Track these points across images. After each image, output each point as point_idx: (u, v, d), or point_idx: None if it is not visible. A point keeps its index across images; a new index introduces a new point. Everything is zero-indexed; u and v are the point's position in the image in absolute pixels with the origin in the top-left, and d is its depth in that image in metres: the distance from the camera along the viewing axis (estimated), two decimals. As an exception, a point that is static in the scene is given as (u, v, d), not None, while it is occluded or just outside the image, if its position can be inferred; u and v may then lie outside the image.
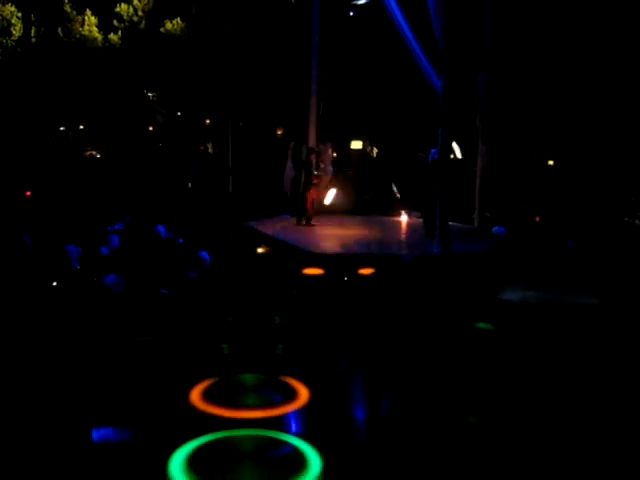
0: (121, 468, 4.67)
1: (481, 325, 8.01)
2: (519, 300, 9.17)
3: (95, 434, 5.09)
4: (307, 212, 15.60)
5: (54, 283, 9.23)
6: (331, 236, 14.45)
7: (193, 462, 4.62)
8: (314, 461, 4.66)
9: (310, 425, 5.48)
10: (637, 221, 16.45)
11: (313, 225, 15.47)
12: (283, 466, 4.68)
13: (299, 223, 15.55)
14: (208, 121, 33.26)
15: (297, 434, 5.20)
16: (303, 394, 5.85)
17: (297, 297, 9.52)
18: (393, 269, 11.18)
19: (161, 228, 12.97)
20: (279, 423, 5.33)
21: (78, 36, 35.15)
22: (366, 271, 10.65)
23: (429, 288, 10.11)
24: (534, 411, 5.73)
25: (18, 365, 6.64)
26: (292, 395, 5.82)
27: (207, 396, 5.73)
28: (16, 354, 6.92)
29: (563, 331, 7.82)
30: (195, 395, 5.75)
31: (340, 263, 11.55)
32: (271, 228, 14.94)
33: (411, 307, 8.99)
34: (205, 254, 11.07)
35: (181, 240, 12.04)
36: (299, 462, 4.66)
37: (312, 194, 15.74)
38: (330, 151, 17.67)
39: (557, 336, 7.64)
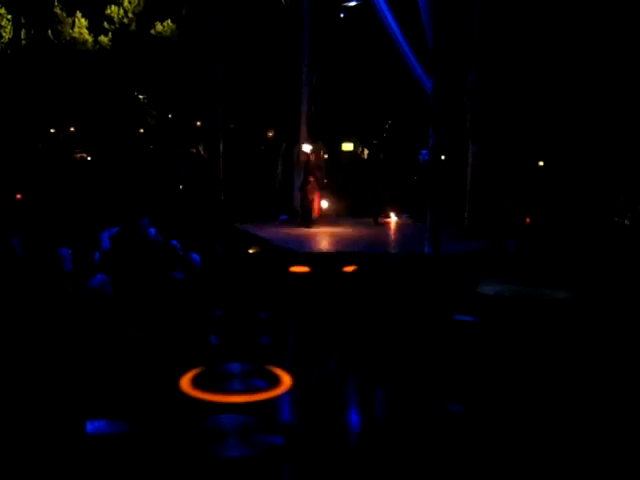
0: (119, 454, 4.81)
1: (460, 317, 8.13)
2: (495, 294, 9.40)
3: (89, 426, 5.17)
4: (310, 213, 15.68)
5: (46, 286, 9.23)
6: (324, 236, 14.56)
7: None
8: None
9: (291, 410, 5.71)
10: (626, 221, 16.55)
11: (311, 226, 15.52)
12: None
13: (303, 224, 15.58)
14: (199, 123, 33.24)
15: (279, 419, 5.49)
16: (286, 381, 6.05)
17: (284, 293, 9.65)
18: (381, 266, 11.36)
19: (152, 230, 12.95)
20: (262, 408, 5.55)
21: (68, 38, 35.06)
22: (349, 268, 10.87)
23: (416, 284, 10.27)
24: (515, 404, 5.77)
25: (11, 363, 6.69)
26: (275, 382, 6.04)
27: (196, 383, 5.97)
28: (9, 353, 6.96)
29: (536, 324, 7.98)
30: (185, 382, 5.98)
31: (328, 262, 11.76)
32: (267, 231, 14.95)
33: (396, 301, 9.14)
34: (196, 256, 11.09)
35: (175, 242, 12.02)
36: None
37: (312, 195, 15.77)
38: (321, 152, 17.72)
39: (530, 329, 7.78)
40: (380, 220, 16.37)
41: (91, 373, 6.30)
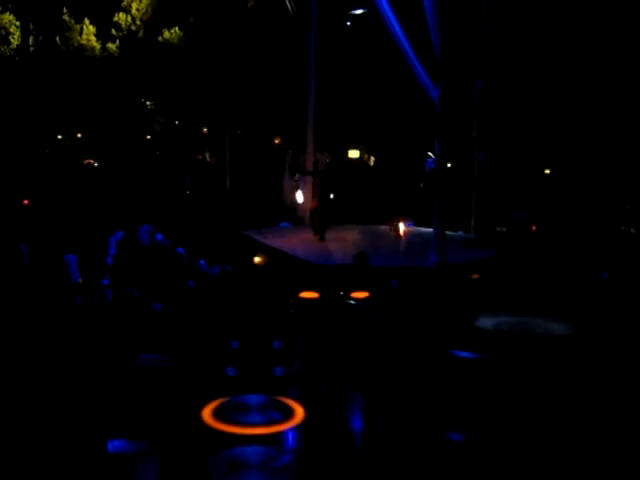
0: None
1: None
2: (493, 328, 9.05)
3: (110, 445, 5.40)
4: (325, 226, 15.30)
5: (53, 297, 9.25)
6: (333, 245, 14.50)
7: None
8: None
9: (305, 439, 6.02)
10: (632, 229, 16.51)
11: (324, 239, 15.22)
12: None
13: (320, 238, 15.13)
14: (206, 129, 33.31)
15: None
16: (299, 413, 6.34)
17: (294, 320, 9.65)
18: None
19: (159, 236, 12.98)
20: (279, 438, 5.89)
21: (76, 45, 35.19)
22: (360, 295, 10.71)
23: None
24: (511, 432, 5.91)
25: (23, 374, 6.77)
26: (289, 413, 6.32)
27: (216, 415, 6.22)
28: (19, 364, 7.02)
29: (533, 359, 7.82)
30: (206, 414, 6.21)
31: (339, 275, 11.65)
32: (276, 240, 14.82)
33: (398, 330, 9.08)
34: (203, 262, 11.11)
35: (181, 249, 12.05)
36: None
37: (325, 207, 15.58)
38: (327, 161, 17.75)
39: (527, 364, 7.64)
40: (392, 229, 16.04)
41: (99, 392, 6.47)
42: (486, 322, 9.16)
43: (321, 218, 15.51)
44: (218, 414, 6.16)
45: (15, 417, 5.90)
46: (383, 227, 16.78)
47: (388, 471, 5.23)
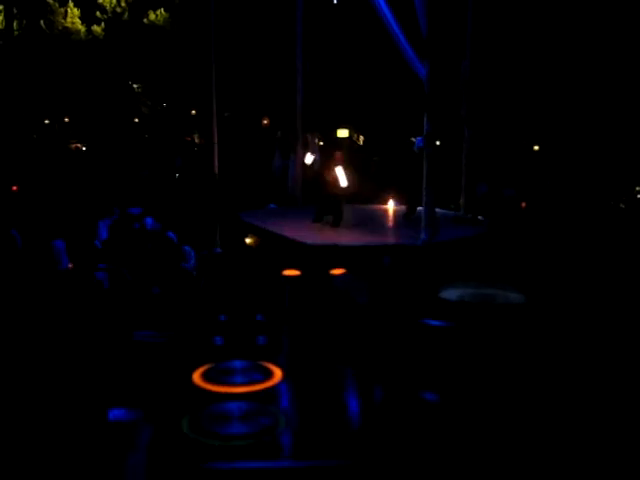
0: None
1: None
2: (457, 299, 9.41)
3: (110, 414, 5.95)
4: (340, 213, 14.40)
5: (43, 282, 9.29)
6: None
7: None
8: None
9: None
10: (622, 204, 16.60)
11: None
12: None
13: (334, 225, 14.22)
14: (194, 112, 33.14)
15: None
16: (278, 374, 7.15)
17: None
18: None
19: (149, 220, 12.97)
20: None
21: (61, 28, 34.85)
22: (337, 271, 10.86)
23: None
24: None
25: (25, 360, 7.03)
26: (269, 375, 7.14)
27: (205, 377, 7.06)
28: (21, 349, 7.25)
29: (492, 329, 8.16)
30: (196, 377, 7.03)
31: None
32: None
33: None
34: (188, 248, 11.13)
35: (171, 233, 12.04)
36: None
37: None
38: (316, 140, 17.69)
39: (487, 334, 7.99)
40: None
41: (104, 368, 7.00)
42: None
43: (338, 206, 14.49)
44: (206, 377, 6.99)
45: (16, 395, 6.22)
46: (376, 207, 16.82)
47: (366, 429, 5.89)
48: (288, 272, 10.93)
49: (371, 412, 6.32)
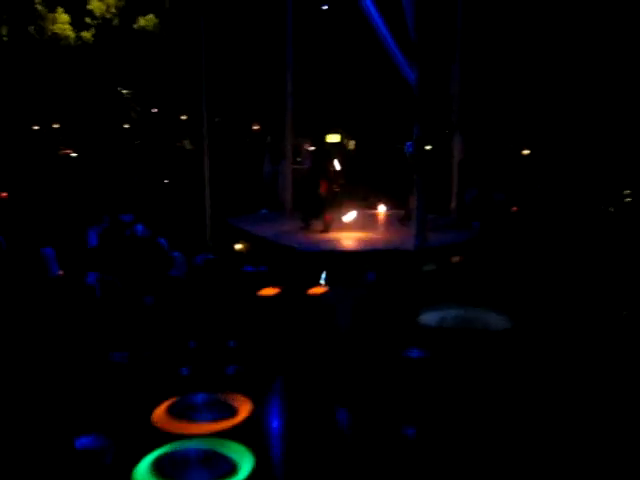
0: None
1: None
2: (437, 325, 8.87)
3: (77, 442, 5.72)
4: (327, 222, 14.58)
5: (31, 290, 9.20)
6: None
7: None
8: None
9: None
10: (611, 208, 16.64)
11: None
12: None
13: (324, 231, 14.43)
14: (184, 117, 33.08)
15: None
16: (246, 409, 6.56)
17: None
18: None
19: (139, 227, 12.90)
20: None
21: (50, 34, 34.73)
22: (317, 290, 10.55)
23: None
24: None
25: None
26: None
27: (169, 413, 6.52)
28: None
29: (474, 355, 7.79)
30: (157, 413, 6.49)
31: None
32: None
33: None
34: (177, 254, 11.05)
35: (162, 240, 11.96)
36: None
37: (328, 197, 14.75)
38: (307, 146, 17.70)
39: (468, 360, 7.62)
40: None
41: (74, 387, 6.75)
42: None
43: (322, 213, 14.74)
44: (169, 412, 6.45)
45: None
46: (368, 211, 16.82)
47: (341, 462, 5.52)
48: (265, 292, 10.25)
49: (349, 449, 5.84)
